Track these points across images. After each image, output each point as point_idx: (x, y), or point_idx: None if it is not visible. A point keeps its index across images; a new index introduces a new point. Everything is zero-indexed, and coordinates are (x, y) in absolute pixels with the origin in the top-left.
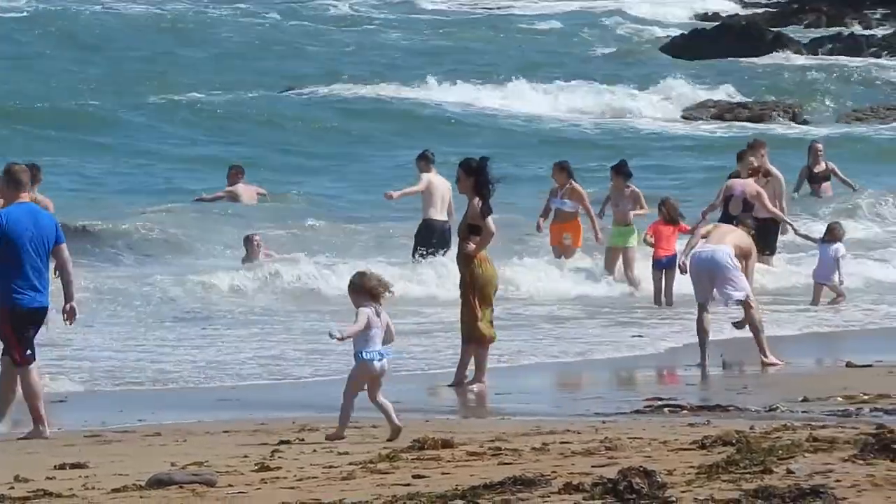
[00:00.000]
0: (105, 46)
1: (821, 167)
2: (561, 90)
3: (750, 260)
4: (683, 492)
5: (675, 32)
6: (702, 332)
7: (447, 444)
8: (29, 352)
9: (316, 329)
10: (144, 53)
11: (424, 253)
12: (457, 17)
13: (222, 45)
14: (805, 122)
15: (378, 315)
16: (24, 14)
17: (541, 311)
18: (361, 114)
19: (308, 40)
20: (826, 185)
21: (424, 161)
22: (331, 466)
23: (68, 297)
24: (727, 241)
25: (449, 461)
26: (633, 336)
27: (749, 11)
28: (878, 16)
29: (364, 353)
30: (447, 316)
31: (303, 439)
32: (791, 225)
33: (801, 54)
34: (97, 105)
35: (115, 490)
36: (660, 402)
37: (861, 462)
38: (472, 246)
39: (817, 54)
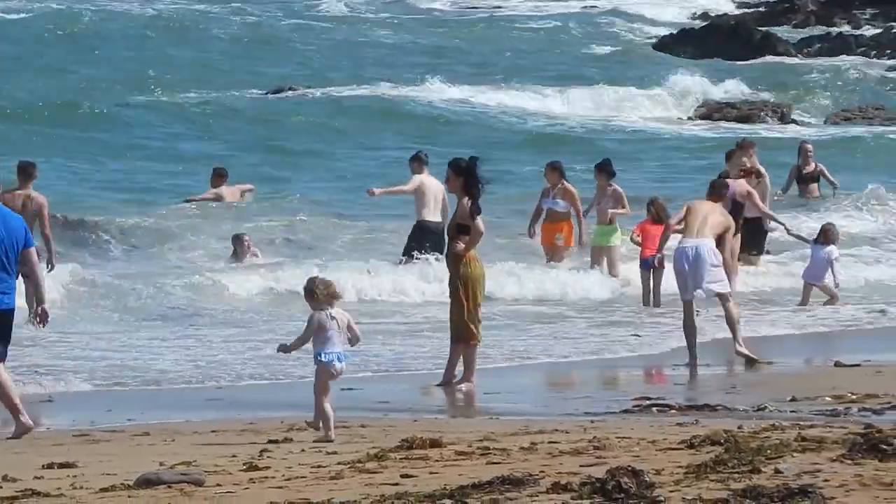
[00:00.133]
0: (100, 46)
1: (810, 168)
2: (557, 90)
3: (728, 234)
4: (672, 491)
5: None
6: (689, 331)
7: (435, 444)
8: None
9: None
10: (137, 53)
11: (418, 254)
12: (452, 17)
13: (216, 43)
14: (794, 122)
15: (333, 317)
16: (21, 16)
17: (531, 311)
18: (355, 112)
19: (302, 38)
20: (814, 186)
21: (417, 162)
22: (319, 466)
23: (39, 299)
24: (707, 233)
25: (437, 461)
26: (631, 335)
27: (741, 11)
28: (866, 16)
29: (322, 355)
30: (434, 315)
31: (291, 439)
32: (783, 224)
33: (790, 54)
34: (89, 103)
35: (104, 490)
36: (648, 402)
37: (849, 462)
38: (461, 245)
39: (806, 54)
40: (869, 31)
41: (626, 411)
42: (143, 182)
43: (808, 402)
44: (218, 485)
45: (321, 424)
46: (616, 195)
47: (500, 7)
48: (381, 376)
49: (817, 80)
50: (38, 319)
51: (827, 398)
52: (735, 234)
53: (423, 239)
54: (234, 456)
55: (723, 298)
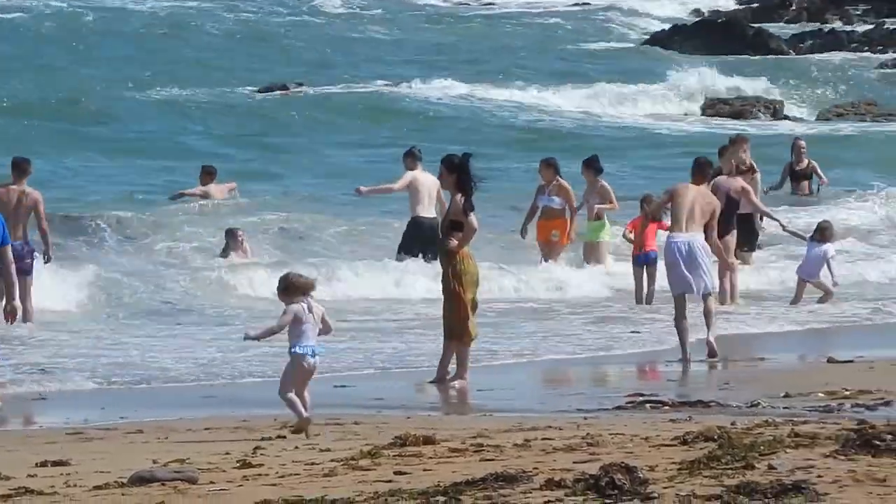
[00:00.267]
0: (95, 44)
1: (803, 164)
2: (557, 86)
3: (714, 219)
4: (665, 488)
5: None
6: (682, 327)
7: (429, 441)
8: None
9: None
10: (131, 51)
11: (416, 253)
12: (447, 13)
13: (210, 40)
14: (786, 118)
15: (310, 310)
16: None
17: (527, 308)
18: (349, 110)
19: (296, 35)
20: (805, 183)
21: (411, 158)
22: (312, 463)
23: (10, 297)
24: (697, 226)
25: (431, 458)
26: (631, 332)
27: (743, 6)
28: (858, 12)
29: (297, 348)
30: (427, 312)
31: (285, 436)
32: (779, 221)
33: (783, 51)
34: (84, 100)
35: (97, 487)
36: (641, 399)
37: (842, 458)
38: (454, 242)
39: (798, 50)
40: (861, 27)
41: (619, 408)
42: (138, 178)
43: (801, 399)
44: (211, 482)
45: (294, 411)
46: (603, 191)
47: (493, 3)
48: (375, 374)
49: (814, 76)
50: (7, 318)
51: (820, 394)
52: (730, 232)
53: (417, 235)
54: (227, 453)
55: (705, 296)
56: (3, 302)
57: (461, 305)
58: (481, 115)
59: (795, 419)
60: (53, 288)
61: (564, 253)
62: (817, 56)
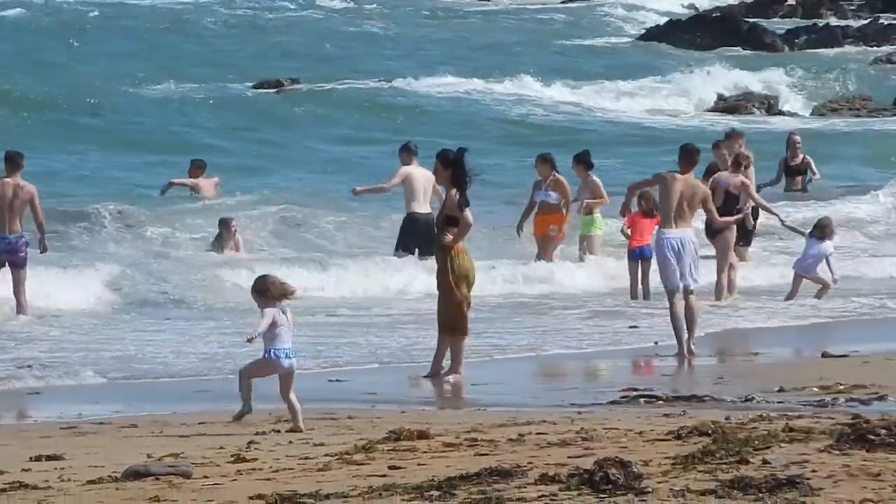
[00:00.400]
0: (95, 41)
1: (798, 160)
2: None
3: (707, 203)
4: (659, 482)
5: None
6: (676, 320)
7: (423, 436)
8: None
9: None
10: (126, 46)
11: (413, 249)
12: (447, 8)
13: (207, 36)
14: (781, 113)
15: (284, 313)
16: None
17: (524, 303)
18: (349, 104)
19: (292, 30)
20: (800, 178)
21: (406, 153)
22: (306, 458)
23: None
24: (688, 220)
25: (425, 452)
26: (630, 327)
27: (737, 2)
28: (853, 7)
29: (272, 352)
30: (420, 307)
31: (279, 430)
32: (778, 216)
33: (777, 46)
34: (83, 95)
35: (91, 482)
36: (636, 393)
37: (837, 452)
38: (449, 237)
39: (793, 45)
40: (855, 22)
41: (613, 402)
42: (137, 174)
43: (795, 393)
44: (205, 476)
45: (292, 418)
46: (593, 186)
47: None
48: (369, 368)
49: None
50: None
51: (814, 389)
52: (730, 227)
53: (413, 231)
54: (221, 448)
55: (687, 293)
56: None
57: (456, 300)
58: (477, 111)
59: (790, 414)
60: (51, 283)
61: (560, 247)
62: (812, 51)
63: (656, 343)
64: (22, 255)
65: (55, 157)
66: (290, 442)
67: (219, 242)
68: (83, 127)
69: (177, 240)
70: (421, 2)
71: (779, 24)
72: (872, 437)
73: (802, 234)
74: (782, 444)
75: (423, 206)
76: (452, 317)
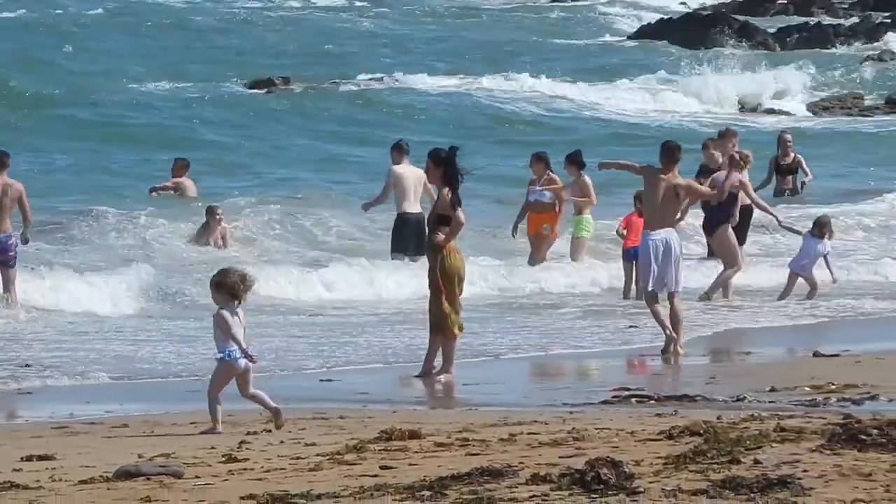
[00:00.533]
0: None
1: (789, 159)
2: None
3: (692, 195)
4: (651, 482)
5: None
6: (656, 315)
7: (414, 435)
8: None
9: (277, 323)
10: (117, 44)
11: (405, 250)
12: (441, 7)
13: (198, 34)
14: (772, 112)
15: (237, 314)
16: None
17: (520, 303)
18: (338, 103)
19: (283, 28)
20: (790, 177)
21: (398, 152)
22: (298, 458)
23: None
24: (671, 221)
25: (416, 452)
26: (629, 327)
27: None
28: (845, 5)
29: (227, 353)
30: (411, 307)
31: (270, 430)
32: (776, 216)
33: (769, 44)
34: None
35: (83, 482)
36: (627, 393)
37: (828, 452)
38: (441, 236)
39: (785, 44)
40: (847, 20)
41: (605, 402)
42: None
43: (787, 393)
44: (197, 476)
45: (211, 419)
46: (582, 185)
47: None
48: (360, 368)
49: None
50: None
51: (806, 388)
52: (730, 224)
53: (405, 231)
54: (212, 448)
55: (672, 294)
56: None
57: (447, 300)
58: (471, 109)
59: (781, 413)
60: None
61: (553, 246)
62: (803, 50)
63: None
64: (11, 254)
65: (50, 156)
66: (282, 442)
67: (204, 230)
68: (78, 124)
69: (178, 238)
70: (417, 1)
71: (770, 23)
72: (864, 436)
73: (799, 233)
74: (774, 444)
75: (413, 206)
76: (443, 316)
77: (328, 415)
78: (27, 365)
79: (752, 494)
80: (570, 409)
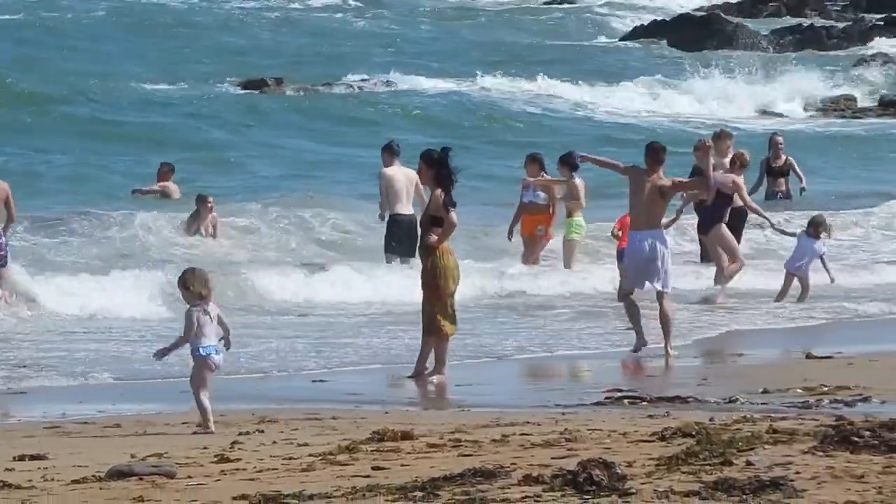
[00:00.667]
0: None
1: (780, 161)
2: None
3: (676, 188)
4: (643, 483)
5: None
6: (633, 312)
7: (407, 436)
8: None
9: (267, 324)
10: (109, 44)
11: (398, 251)
12: (435, 8)
13: (191, 34)
14: (764, 113)
15: (207, 312)
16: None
17: (517, 304)
18: (330, 105)
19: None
20: (782, 179)
21: (388, 153)
22: (290, 458)
23: None
24: (657, 221)
25: (409, 453)
26: (627, 329)
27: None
28: (837, 7)
29: (201, 350)
30: (404, 308)
31: (262, 431)
32: (768, 219)
33: (762, 46)
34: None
35: (75, 481)
36: (620, 394)
37: (821, 454)
38: (434, 237)
39: (778, 46)
40: (840, 23)
41: (597, 403)
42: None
43: (779, 395)
44: (189, 476)
45: (201, 418)
46: (572, 187)
47: None
48: (353, 369)
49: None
50: None
51: (798, 390)
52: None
53: (397, 233)
54: (205, 448)
55: (660, 296)
56: None
57: (440, 301)
58: (464, 110)
59: (774, 415)
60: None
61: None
62: (796, 52)
63: None
64: (2, 252)
65: (40, 155)
66: (274, 442)
67: (194, 219)
68: (75, 123)
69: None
70: (411, 1)
71: (762, 25)
72: (856, 438)
73: (793, 235)
74: (766, 446)
75: (406, 208)
76: (436, 317)
77: (321, 415)
78: (23, 366)
79: (745, 496)
80: (563, 411)
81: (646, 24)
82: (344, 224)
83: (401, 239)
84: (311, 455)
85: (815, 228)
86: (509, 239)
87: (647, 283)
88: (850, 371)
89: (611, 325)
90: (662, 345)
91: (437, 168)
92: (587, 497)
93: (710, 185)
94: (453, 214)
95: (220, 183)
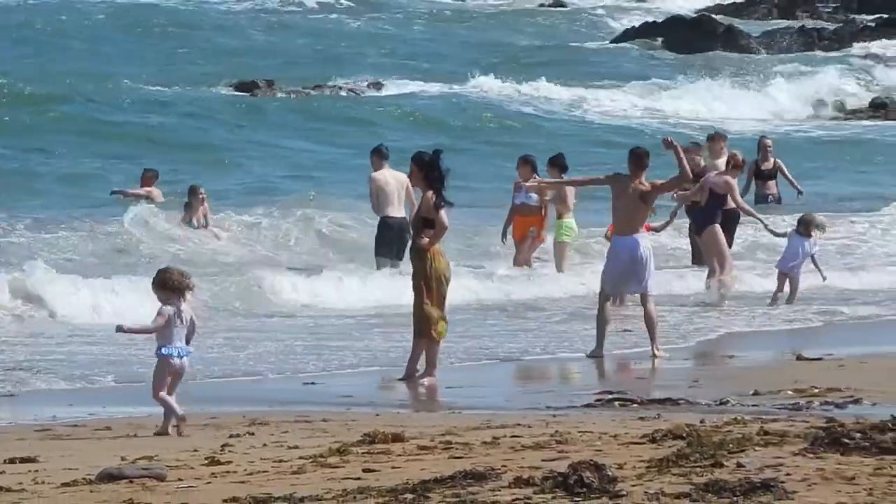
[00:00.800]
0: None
1: (769, 164)
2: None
3: (657, 190)
4: (634, 485)
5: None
6: (603, 320)
7: (398, 438)
8: None
9: (258, 326)
10: (99, 46)
11: (388, 254)
12: (429, 10)
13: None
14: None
15: (180, 313)
16: None
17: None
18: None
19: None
20: (771, 182)
21: (378, 156)
22: (281, 460)
23: None
24: (640, 225)
25: (399, 455)
26: (624, 331)
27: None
28: (828, 9)
29: (163, 349)
30: (396, 310)
31: (253, 433)
32: (761, 220)
33: (753, 48)
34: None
35: (66, 484)
36: (610, 396)
37: (811, 455)
38: (425, 240)
39: (769, 47)
40: (831, 24)
41: (588, 406)
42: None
43: (770, 396)
44: (179, 479)
45: (171, 418)
46: (559, 189)
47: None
48: (344, 372)
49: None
50: None
51: (789, 392)
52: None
53: (387, 236)
54: (195, 450)
55: (644, 298)
56: None
57: (431, 303)
58: (457, 112)
59: (764, 417)
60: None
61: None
62: (787, 54)
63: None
64: None
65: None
66: (265, 444)
67: (186, 210)
68: (69, 123)
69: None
70: (406, 3)
71: (753, 26)
72: (847, 440)
73: (783, 235)
74: (757, 448)
75: (397, 210)
76: (427, 320)
77: (311, 418)
78: (20, 368)
79: (735, 498)
80: (554, 413)
81: (637, 26)
82: (345, 223)
83: (391, 241)
84: (301, 457)
85: (807, 227)
86: (503, 241)
87: (627, 289)
88: (840, 373)
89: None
90: (649, 347)
91: (428, 170)
92: (578, 499)
93: (689, 178)
94: (444, 216)
95: (219, 184)
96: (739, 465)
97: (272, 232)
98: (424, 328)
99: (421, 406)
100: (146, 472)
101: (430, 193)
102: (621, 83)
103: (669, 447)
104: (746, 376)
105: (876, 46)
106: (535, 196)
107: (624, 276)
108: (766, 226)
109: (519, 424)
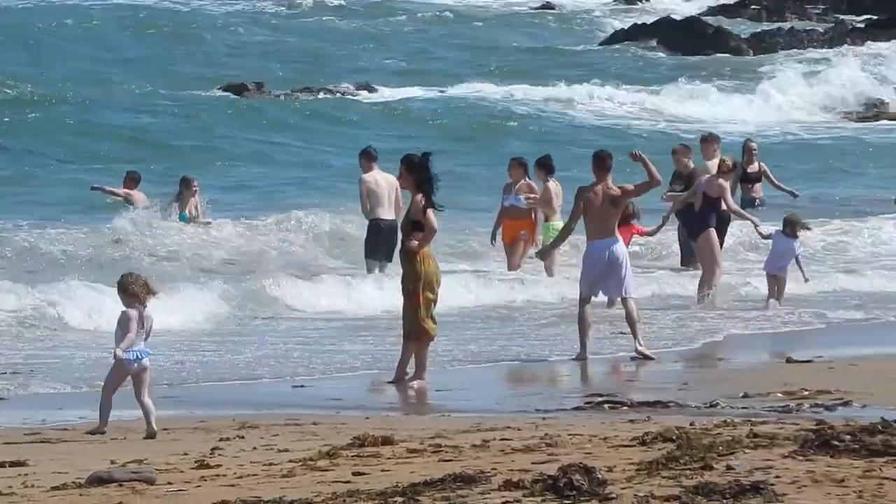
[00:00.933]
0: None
1: (754, 167)
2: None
3: (628, 195)
4: (623, 488)
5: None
6: (584, 323)
7: (387, 441)
8: None
9: (252, 330)
10: (94, 49)
11: (379, 256)
12: (424, 12)
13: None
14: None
15: (142, 317)
16: None
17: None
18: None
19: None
20: (757, 185)
21: (366, 158)
22: (270, 464)
23: None
24: (612, 230)
25: (389, 458)
26: (620, 332)
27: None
28: (818, 10)
29: (123, 354)
30: (385, 313)
31: (243, 437)
32: (752, 220)
33: (742, 50)
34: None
35: (55, 488)
36: (600, 399)
37: (801, 458)
38: (415, 242)
39: (758, 49)
40: (821, 25)
41: (578, 408)
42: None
43: (760, 399)
44: (169, 483)
45: (146, 420)
46: (546, 191)
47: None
48: (333, 375)
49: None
50: None
51: (779, 394)
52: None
53: (377, 238)
54: (185, 454)
55: (624, 300)
56: None
57: (420, 306)
58: (453, 114)
59: (754, 419)
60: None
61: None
62: (776, 55)
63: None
64: None
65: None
66: (255, 448)
67: (178, 200)
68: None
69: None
70: (402, 4)
71: (742, 27)
72: (836, 442)
73: (768, 237)
74: (746, 450)
75: (387, 213)
76: (417, 322)
77: (301, 421)
78: (14, 372)
79: (725, 500)
80: (543, 416)
81: (626, 28)
82: (336, 226)
83: (381, 244)
84: (291, 461)
85: (793, 227)
86: (492, 243)
87: (601, 290)
88: (830, 375)
89: (604, 329)
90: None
91: (417, 173)
92: (567, 502)
93: (658, 182)
94: (433, 219)
95: (211, 185)
96: (729, 468)
97: (265, 237)
98: (414, 331)
99: (410, 409)
100: (136, 476)
101: (419, 196)
102: (611, 85)
103: (659, 450)
104: (736, 379)
105: (866, 48)
106: (523, 198)
107: (598, 278)
108: (756, 227)
109: (509, 427)
